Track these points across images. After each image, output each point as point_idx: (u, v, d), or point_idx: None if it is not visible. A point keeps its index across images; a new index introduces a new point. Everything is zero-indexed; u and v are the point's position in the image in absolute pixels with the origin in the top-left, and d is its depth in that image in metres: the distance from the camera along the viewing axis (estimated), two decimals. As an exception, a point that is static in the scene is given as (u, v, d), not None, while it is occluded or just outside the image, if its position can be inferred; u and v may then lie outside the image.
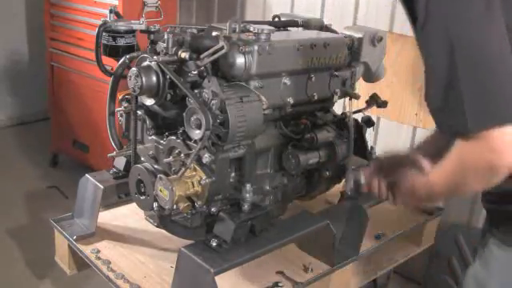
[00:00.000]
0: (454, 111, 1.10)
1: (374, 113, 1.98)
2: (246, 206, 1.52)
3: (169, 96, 1.51)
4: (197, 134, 1.43)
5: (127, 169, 1.73)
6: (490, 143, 1.07)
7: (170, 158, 1.51)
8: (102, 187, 1.73)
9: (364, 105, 1.88)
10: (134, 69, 1.49)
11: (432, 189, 1.29)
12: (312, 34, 1.83)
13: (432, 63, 1.14)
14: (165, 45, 1.52)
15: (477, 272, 1.37)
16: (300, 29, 1.92)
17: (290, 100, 1.62)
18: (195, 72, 1.50)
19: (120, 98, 1.71)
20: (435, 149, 1.41)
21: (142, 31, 1.72)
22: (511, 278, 1.28)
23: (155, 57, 1.49)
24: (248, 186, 1.52)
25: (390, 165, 1.54)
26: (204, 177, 1.43)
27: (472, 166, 1.14)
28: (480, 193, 1.39)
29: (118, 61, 1.71)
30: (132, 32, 1.77)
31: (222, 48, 1.45)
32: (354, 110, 1.81)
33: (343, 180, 1.86)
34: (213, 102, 1.41)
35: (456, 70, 1.07)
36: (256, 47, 1.49)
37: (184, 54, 1.48)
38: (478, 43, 1.06)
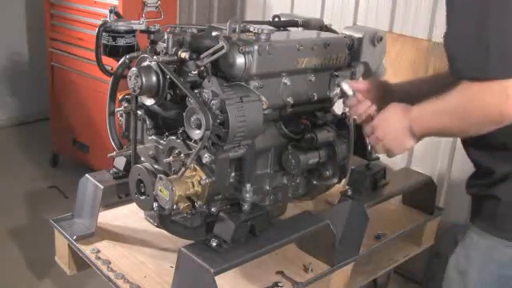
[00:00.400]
0: (477, 54, 1.12)
1: (373, 113, 1.98)
2: (246, 206, 1.52)
3: (169, 96, 1.51)
4: (197, 133, 1.43)
5: (127, 169, 1.72)
6: (506, 90, 1.09)
7: (170, 158, 1.51)
8: (101, 187, 1.73)
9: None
10: (133, 69, 1.49)
11: (440, 117, 1.27)
12: (312, 34, 1.83)
13: (463, 1, 1.14)
14: (165, 45, 1.52)
15: (458, 261, 1.38)
16: (300, 29, 1.92)
17: (290, 100, 1.62)
18: (195, 72, 1.50)
19: (120, 97, 1.71)
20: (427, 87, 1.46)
21: (142, 31, 1.72)
22: (489, 266, 1.29)
23: (155, 57, 1.49)
24: (248, 186, 1.52)
25: (386, 91, 1.54)
26: (204, 177, 1.43)
27: (480, 106, 1.15)
28: (467, 181, 1.40)
29: (117, 61, 1.71)
30: (132, 32, 1.77)
31: (222, 48, 1.45)
32: (354, 110, 1.80)
33: (343, 180, 1.86)
34: (213, 102, 1.41)
35: (488, 12, 1.09)
36: (256, 47, 1.49)
37: (184, 54, 1.48)
38: None
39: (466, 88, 1.15)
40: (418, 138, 1.36)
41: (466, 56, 1.14)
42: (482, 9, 1.09)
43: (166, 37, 1.51)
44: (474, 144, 1.32)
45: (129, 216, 1.88)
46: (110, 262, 1.64)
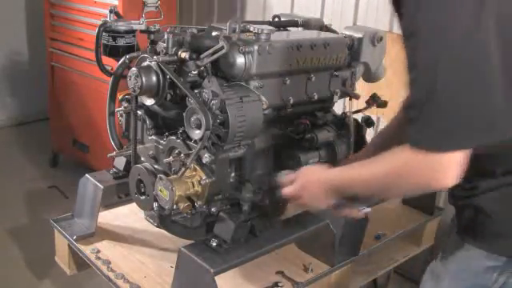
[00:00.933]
0: (425, 124, 1.08)
1: (373, 113, 1.98)
2: (245, 206, 1.52)
3: (169, 96, 1.51)
4: (197, 133, 1.43)
5: (127, 169, 1.72)
6: (440, 164, 1.07)
7: (170, 158, 1.51)
8: (101, 187, 1.73)
9: (364, 105, 1.88)
10: (133, 69, 1.49)
11: (367, 183, 1.25)
12: (312, 34, 1.83)
13: (415, 75, 1.10)
14: (165, 45, 1.52)
15: (436, 265, 1.37)
16: (300, 29, 1.92)
17: (290, 100, 1.62)
18: (195, 72, 1.50)
19: (120, 97, 1.71)
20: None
21: (142, 31, 1.72)
22: (464, 274, 1.28)
23: (155, 57, 1.49)
24: (248, 186, 1.52)
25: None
26: (204, 177, 1.43)
27: (411, 175, 1.13)
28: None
29: (117, 61, 1.71)
30: (132, 32, 1.77)
31: (222, 48, 1.45)
32: (353, 109, 1.81)
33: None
34: (213, 102, 1.41)
35: (436, 85, 1.05)
36: (256, 47, 1.49)
37: (184, 54, 1.48)
38: (464, 61, 1.03)
39: (407, 154, 1.11)
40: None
41: (417, 126, 1.10)
42: (431, 79, 1.06)
43: (165, 37, 1.51)
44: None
45: (129, 216, 1.88)
46: (110, 262, 1.64)
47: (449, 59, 1.04)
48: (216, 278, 1.37)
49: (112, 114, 1.75)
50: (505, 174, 1.16)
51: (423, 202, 2.10)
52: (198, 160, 1.44)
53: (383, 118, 2.91)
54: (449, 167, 1.07)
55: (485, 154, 1.12)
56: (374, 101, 1.87)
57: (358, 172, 1.28)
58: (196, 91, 1.45)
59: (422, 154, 1.07)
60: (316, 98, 1.70)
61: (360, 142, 1.85)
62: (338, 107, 1.92)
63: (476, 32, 1.01)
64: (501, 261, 1.19)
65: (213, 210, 1.52)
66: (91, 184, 1.77)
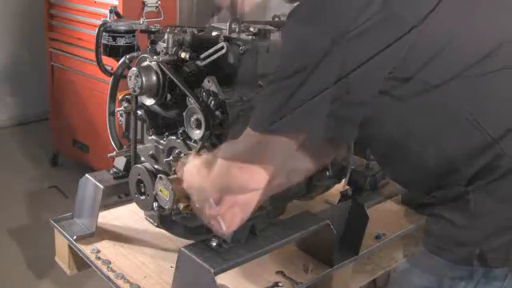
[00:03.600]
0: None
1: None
2: (246, 206, 1.51)
3: (169, 96, 1.51)
4: (197, 134, 1.43)
5: (127, 169, 1.72)
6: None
7: (170, 158, 1.51)
8: (102, 187, 1.73)
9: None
10: (134, 69, 1.49)
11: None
12: (312, 34, 1.82)
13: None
14: (165, 45, 1.52)
15: (399, 276, 1.35)
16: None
17: (290, 100, 1.62)
18: (195, 72, 1.50)
19: (120, 97, 1.71)
20: None
21: (142, 31, 1.72)
22: (428, 284, 1.26)
23: (155, 57, 1.49)
24: (248, 186, 1.52)
25: None
26: (204, 177, 1.43)
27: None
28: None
29: (118, 61, 1.72)
30: (132, 32, 1.77)
31: (222, 48, 1.45)
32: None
33: (343, 180, 1.86)
34: (213, 102, 1.41)
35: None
36: (256, 47, 1.49)
37: (184, 54, 1.48)
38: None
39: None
40: None
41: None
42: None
43: (165, 37, 1.51)
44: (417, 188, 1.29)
45: (129, 216, 1.88)
46: (110, 262, 1.64)
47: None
48: (216, 277, 1.37)
49: (112, 114, 1.75)
50: (465, 185, 1.13)
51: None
52: (198, 160, 1.44)
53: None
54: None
55: (439, 166, 1.13)
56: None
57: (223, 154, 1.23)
58: (196, 91, 1.45)
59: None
60: (316, 97, 1.70)
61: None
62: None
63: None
64: (466, 271, 1.14)
65: (213, 209, 1.51)
66: (91, 184, 1.76)
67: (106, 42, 1.76)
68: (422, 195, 1.21)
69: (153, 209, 1.52)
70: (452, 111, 1.08)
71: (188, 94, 1.42)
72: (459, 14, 1.09)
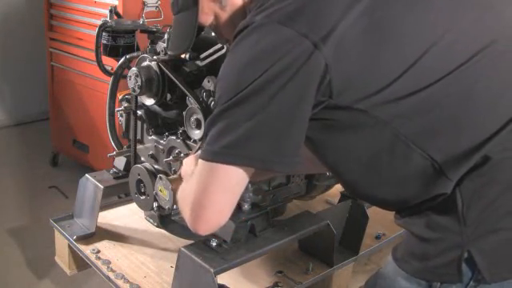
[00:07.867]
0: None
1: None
2: (245, 206, 1.52)
3: (169, 96, 1.51)
4: (197, 134, 1.43)
5: (127, 169, 1.73)
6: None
7: (170, 158, 1.51)
8: (102, 187, 1.73)
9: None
10: (133, 69, 1.49)
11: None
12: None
13: None
14: (165, 45, 1.52)
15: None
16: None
17: (290, 100, 1.62)
18: (195, 72, 1.50)
19: (120, 97, 1.71)
20: None
21: (141, 31, 1.72)
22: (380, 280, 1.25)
23: (155, 57, 1.49)
24: (248, 186, 1.52)
25: None
26: (204, 177, 1.43)
27: None
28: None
29: (118, 61, 1.72)
30: (132, 32, 1.77)
31: (222, 48, 1.45)
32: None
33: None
34: (213, 102, 1.41)
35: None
36: (256, 47, 1.49)
37: (184, 54, 1.48)
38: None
39: None
40: None
41: None
42: None
43: (165, 37, 1.51)
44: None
45: (129, 216, 1.88)
46: (110, 262, 1.64)
47: None
48: (216, 277, 1.37)
49: (112, 114, 1.75)
50: (424, 202, 1.12)
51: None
52: (198, 160, 1.44)
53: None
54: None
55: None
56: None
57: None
58: (196, 91, 1.45)
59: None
60: (316, 97, 1.70)
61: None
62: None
63: None
64: (422, 285, 1.10)
65: (213, 209, 1.51)
66: (91, 184, 1.76)
67: (105, 42, 1.76)
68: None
69: (153, 209, 1.52)
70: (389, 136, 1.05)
71: (188, 93, 1.42)
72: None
